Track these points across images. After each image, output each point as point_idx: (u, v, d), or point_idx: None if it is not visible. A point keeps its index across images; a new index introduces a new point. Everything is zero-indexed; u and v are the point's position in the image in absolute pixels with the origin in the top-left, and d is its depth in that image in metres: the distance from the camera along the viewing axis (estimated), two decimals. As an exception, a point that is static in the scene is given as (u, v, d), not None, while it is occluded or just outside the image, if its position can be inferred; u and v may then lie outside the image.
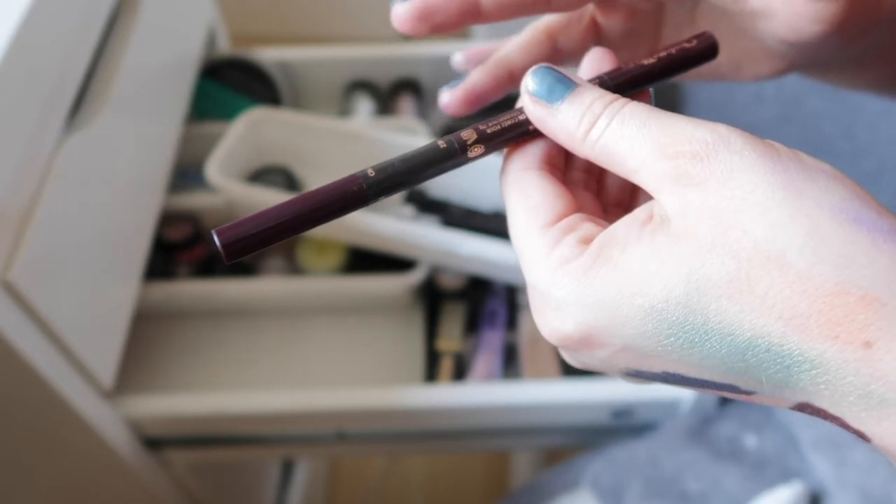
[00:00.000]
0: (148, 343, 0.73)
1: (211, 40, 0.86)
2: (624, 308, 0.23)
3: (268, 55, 0.86)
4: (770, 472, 0.58)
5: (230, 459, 0.80)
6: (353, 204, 0.25)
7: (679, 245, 0.22)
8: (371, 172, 0.26)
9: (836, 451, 0.55)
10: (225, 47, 0.90)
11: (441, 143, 0.27)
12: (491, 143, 0.27)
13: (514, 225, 0.26)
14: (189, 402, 0.64)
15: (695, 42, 0.30)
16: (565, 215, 0.26)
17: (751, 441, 0.60)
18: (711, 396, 0.64)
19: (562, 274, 0.24)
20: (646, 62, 0.29)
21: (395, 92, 0.87)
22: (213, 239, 0.24)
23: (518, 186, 0.27)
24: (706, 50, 0.30)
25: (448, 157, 0.27)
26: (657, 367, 0.24)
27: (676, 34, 0.34)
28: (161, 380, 0.72)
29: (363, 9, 1.87)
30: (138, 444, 0.66)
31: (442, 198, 0.75)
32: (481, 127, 0.27)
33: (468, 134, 0.27)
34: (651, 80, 0.29)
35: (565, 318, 0.24)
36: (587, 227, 0.25)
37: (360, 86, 0.87)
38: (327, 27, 1.90)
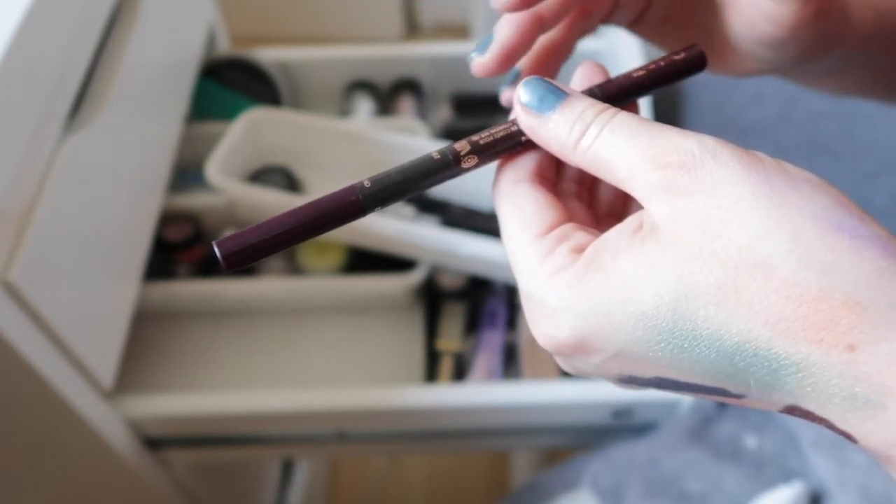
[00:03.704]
0: (148, 343, 0.73)
1: (211, 40, 0.87)
2: (616, 314, 0.23)
3: (268, 55, 0.86)
4: (770, 472, 0.58)
5: (230, 459, 0.80)
6: (350, 215, 0.26)
7: (668, 253, 0.23)
8: (367, 184, 0.27)
9: (836, 450, 0.55)
10: (225, 47, 0.90)
11: (435, 155, 0.27)
12: (484, 154, 0.28)
13: (508, 235, 0.27)
14: (189, 402, 0.64)
15: (683, 54, 0.31)
16: (557, 225, 0.26)
17: (751, 441, 0.60)
18: (711, 396, 0.64)
19: (555, 282, 0.25)
20: (635, 74, 0.30)
21: (395, 92, 0.87)
22: (213, 248, 0.25)
23: (510, 198, 0.28)
24: (694, 62, 0.31)
25: (442, 168, 0.27)
26: (649, 373, 0.24)
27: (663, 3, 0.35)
28: (161, 380, 0.72)
29: (363, 9, 1.87)
30: (138, 444, 0.66)
31: (442, 198, 0.75)
32: (474, 138, 0.28)
33: (462, 145, 0.28)
34: (640, 91, 0.30)
35: (559, 325, 0.25)
36: (579, 235, 0.26)
37: (360, 86, 0.87)
38: (327, 27, 1.91)
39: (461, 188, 0.76)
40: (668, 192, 0.23)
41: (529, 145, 0.28)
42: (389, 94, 0.88)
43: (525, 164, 0.28)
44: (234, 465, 0.90)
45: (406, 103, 0.86)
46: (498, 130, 0.28)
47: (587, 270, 0.24)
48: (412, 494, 1.22)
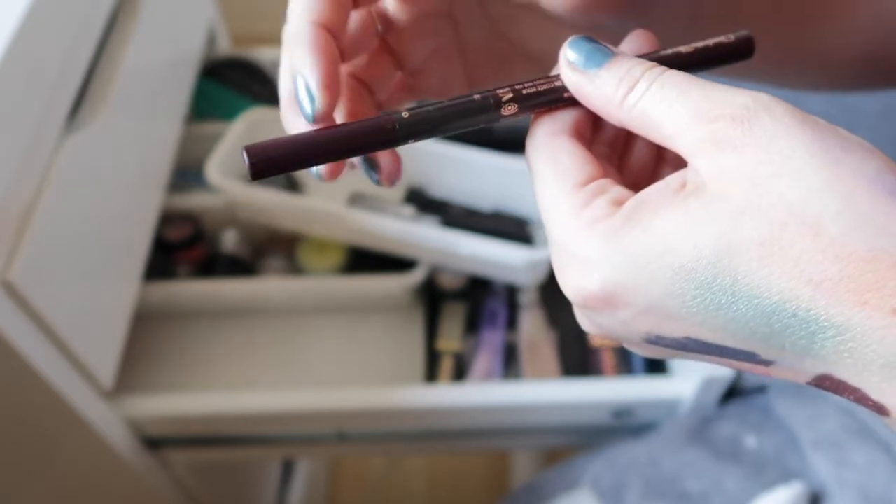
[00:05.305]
0: (148, 343, 0.73)
1: (211, 40, 0.87)
2: (652, 266, 0.23)
3: (268, 55, 0.86)
4: (770, 472, 0.58)
5: (230, 459, 0.80)
6: (383, 142, 0.26)
7: (712, 206, 0.22)
8: (405, 114, 0.26)
9: (836, 451, 0.55)
10: (225, 47, 0.90)
11: (476, 97, 0.27)
12: (525, 103, 0.27)
13: (544, 185, 0.26)
14: (189, 402, 0.64)
15: (732, 38, 0.30)
16: (595, 180, 0.26)
17: (751, 441, 0.60)
18: (712, 396, 0.64)
19: (591, 233, 0.24)
20: (683, 51, 0.29)
21: (395, 92, 0.87)
22: (243, 154, 0.25)
23: (546, 150, 0.27)
24: (742, 46, 0.30)
25: (482, 110, 0.27)
26: (679, 332, 0.24)
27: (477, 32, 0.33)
28: (161, 380, 0.72)
29: (363, 9, 1.87)
30: (138, 444, 0.66)
31: (442, 198, 0.75)
32: (517, 87, 0.27)
33: (504, 91, 0.27)
34: (685, 69, 0.29)
35: (591, 275, 0.24)
36: (618, 190, 0.25)
37: (360, 86, 0.87)
38: (327, 27, 1.90)
39: (461, 188, 0.76)
40: (717, 146, 0.23)
41: (570, 101, 0.28)
42: (389, 94, 0.88)
43: (563, 118, 0.28)
44: (234, 465, 0.90)
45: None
46: (541, 82, 0.28)
47: (625, 223, 0.24)
48: (412, 495, 1.22)
